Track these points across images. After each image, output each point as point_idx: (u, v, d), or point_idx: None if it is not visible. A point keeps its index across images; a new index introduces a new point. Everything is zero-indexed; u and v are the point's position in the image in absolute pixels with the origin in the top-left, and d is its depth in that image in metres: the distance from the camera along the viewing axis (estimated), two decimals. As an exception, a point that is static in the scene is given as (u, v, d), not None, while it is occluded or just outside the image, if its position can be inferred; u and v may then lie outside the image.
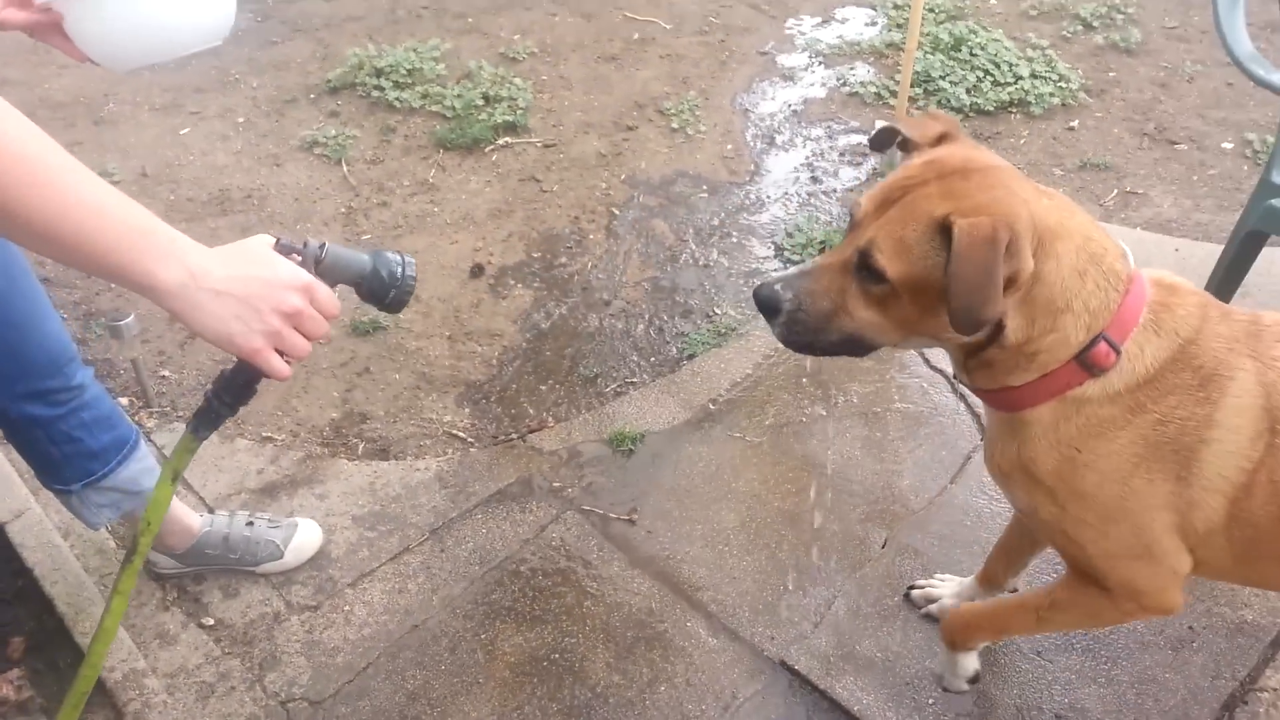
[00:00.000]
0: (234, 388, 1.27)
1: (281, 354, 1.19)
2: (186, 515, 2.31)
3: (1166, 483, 1.46)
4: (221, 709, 2.11)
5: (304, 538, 2.40)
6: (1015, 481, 1.59)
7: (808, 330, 1.48)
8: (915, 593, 2.27)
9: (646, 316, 3.31)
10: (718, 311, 3.32)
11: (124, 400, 2.91)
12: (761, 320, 1.77)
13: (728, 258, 3.60)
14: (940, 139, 1.50)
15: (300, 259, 1.22)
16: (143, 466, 2.13)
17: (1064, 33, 5.09)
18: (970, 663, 1.99)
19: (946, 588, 2.24)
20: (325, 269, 1.24)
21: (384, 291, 1.29)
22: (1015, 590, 2.17)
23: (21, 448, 2.03)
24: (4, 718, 2.03)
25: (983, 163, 1.42)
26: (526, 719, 2.09)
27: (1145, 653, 2.18)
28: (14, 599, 2.31)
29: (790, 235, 3.65)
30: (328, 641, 2.25)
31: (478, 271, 3.49)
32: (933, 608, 2.22)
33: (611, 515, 2.54)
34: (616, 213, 3.83)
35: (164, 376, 3.02)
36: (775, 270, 3.54)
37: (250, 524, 2.37)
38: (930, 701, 2.08)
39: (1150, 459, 1.45)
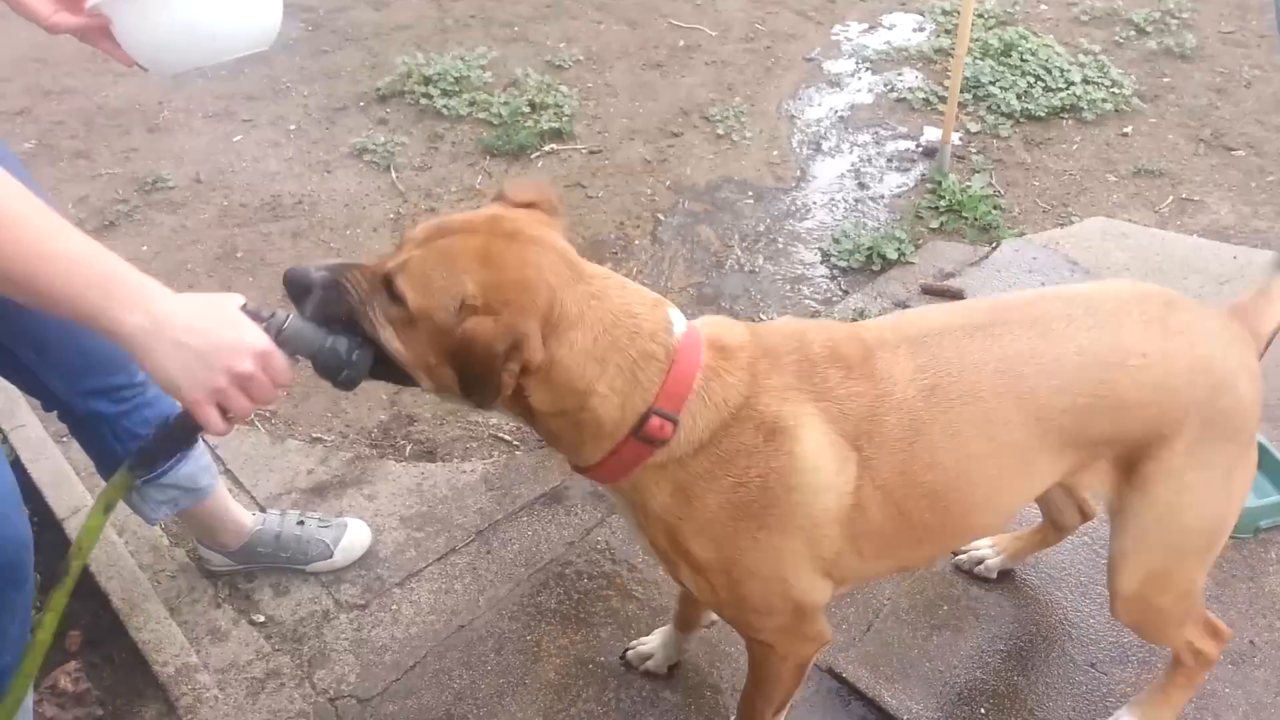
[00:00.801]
0: (174, 434, 1.34)
1: (226, 411, 1.25)
2: (240, 513, 2.33)
3: (773, 535, 1.50)
4: (271, 705, 2.13)
5: (354, 537, 2.42)
6: (659, 555, 1.61)
7: (339, 318, 1.38)
8: (630, 654, 2.20)
9: (692, 322, 3.31)
10: (763, 317, 3.30)
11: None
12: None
13: (773, 264, 3.59)
14: (527, 205, 1.48)
15: (265, 326, 1.27)
16: (201, 465, 2.15)
17: (1116, 38, 5.01)
18: None
19: (654, 641, 2.18)
20: (284, 340, 1.29)
21: (336, 370, 1.36)
22: (712, 623, 2.22)
23: (87, 444, 2.05)
24: (62, 709, 2.07)
25: (533, 235, 1.40)
26: (572, 721, 2.09)
27: (1204, 667, 2.12)
28: (72, 593, 2.35)
29: (837, 241, 3.63)
30: (376, 640, 2.26)
31: (524, 276, 3.51)
32: (646, 665, 2.19)
33: (657, 519, 2.53)
34: (662, 219, 3.84)
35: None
36: (822, 276, 3.52)
37: (301, 523, 2.39)
38: (983, 712, 2.05)
39: (745, 517, 1.48)
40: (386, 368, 1.42)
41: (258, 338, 1.24)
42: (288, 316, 1.31)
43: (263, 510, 2.49)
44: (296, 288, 1.40)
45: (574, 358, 1.38)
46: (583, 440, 1.47)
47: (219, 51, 1.59)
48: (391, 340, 1.39)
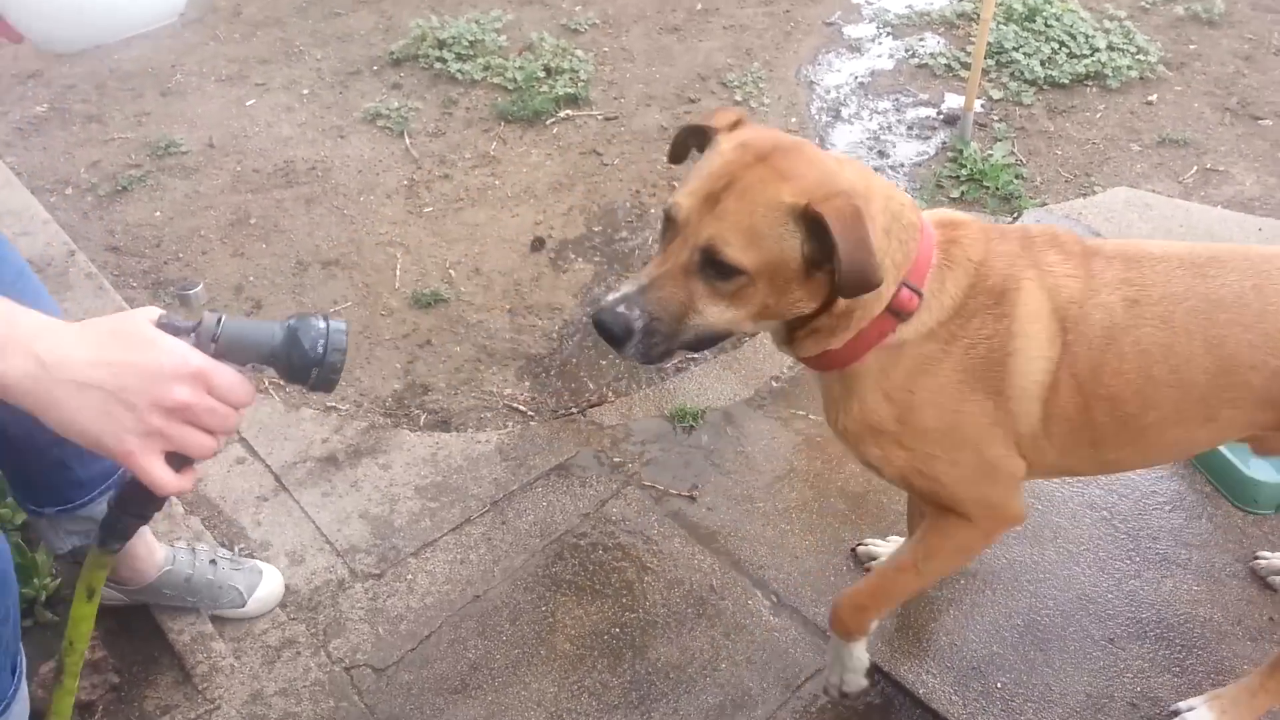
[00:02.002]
0: (139, 496, 1.05)
1: (179, 454, 0.99)
2: (153, 549, 2.12)
3: (989, 399, 1.55)
4: (287, 673, 2.14)
5: (269, 588, 2.25)
6: (861, 438, 1.64)
7: (663, 339, 1.44)
8: (860, 550, 2.29)
9: (708, 291, 3.28)
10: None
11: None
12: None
13: (791, 233, 3.55)
14: (735, 125, 1.52)
15: (194, 338, 1.00)
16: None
17: (1142, 3, 4.91)
18: (863, 655, 1.93)
19: (888, 547, 2.25)
20: (224, 348, 1.01)
21: (304, 370, 1.04)
22: None
23: (7, 464, 1.88)
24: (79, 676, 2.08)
25: (790, 141, 1.45)
26: (586, 692, 2.09)
27: (1222, 643, 2.11)
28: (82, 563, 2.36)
29: (855, 210, 3.58)
30: (391, 609, 2.27)
31: (538, 245, 3.48)
32: (873, 564, 2.23)
33: (672, 491, 2.52)
34: (678, 187, 3.79)
35: (231, 345, 3.06)
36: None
37: (214, 562, 2.20)
38: (999, 685, 2.04)
39: (972, 382, 1.54)
40: (697, 340, 1.47)
41: (184, 356, 0.97)
42: (219, 318, 1.02)
43: (177, 550, 2.22)
44: (613, 333, 1.41)
45: (874, 230, 1.39)
46: (848, 323, 1.49)
47: (117, 28, 1.49)
48: (725, 315, 1.43)
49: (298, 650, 2.19)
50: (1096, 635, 2.14)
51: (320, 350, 1.03)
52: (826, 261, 1.37)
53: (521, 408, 2.85)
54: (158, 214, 3.66)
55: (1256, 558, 2.27)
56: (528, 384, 2.94)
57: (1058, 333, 1.53)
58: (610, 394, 2.88)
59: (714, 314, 1.43)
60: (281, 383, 2.83)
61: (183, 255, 3.46)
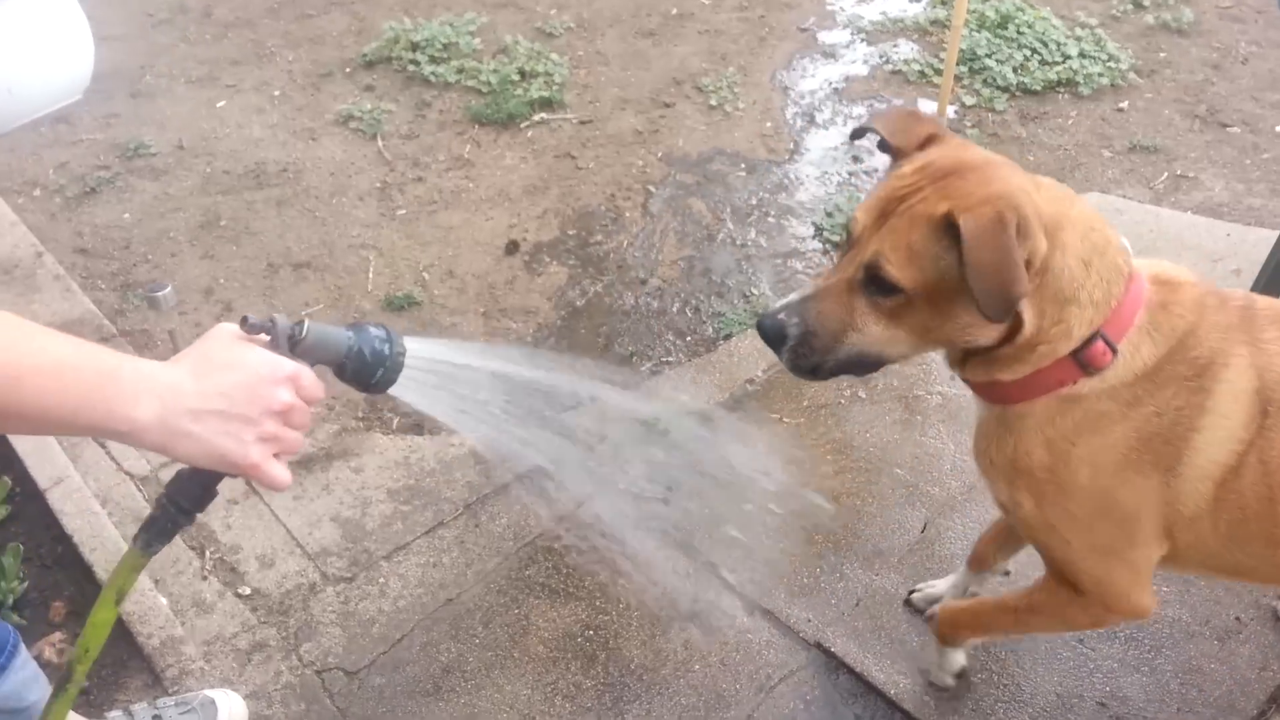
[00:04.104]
0: (193, 493, 1.08)
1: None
2: None
3: (1157, 473, 1.45)
4: (258, 677, 2.12)
5: (230, 713, 2.03)
6: (1005, 475, 1.56)
7: (816, 353, 1.43)
8: (915, 596, 2.22)
9: (683, 296, 3.28)
10: (755, 291, 3.28)
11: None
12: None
13: (766, 237, 3.56)
14: (927, 141, 1.46)
15: (270, 339, 1.05)
16: (27, 675, 1.70)
17: (1113, 12, 4.97)
18: (958, 658, 1.97)
19: (942, 585, 2.20)
20: (305, 349, 1.06)
21: (369, 372, 1.10)
22: (1007, 572, 2.18)
23: None
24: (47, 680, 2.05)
25: (977, 161, 1.39)
26: (560, 694, 2.08)
27: (1190, 642, 2.13)
28: (54, 564, 2.33)
29: (830, 215, 3.60)
30: (363, 613, 2.25)
31: (513, 248, 3.47)
32: (936, 608, 2.17)
33: (646, 494, 2.52)
34: (653, 190, 3.80)
35: (201, 347, 3.03)
36: (814, 250, 3.49)
37: (157, 717, 1.98)
38: (973, 684, 2.05)
39: (1143, 451, 1.44)
40: (853, 360, 1.44)
41: (276, 361, 1.03)
42: (300, 323, 1.07)
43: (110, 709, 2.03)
44: (769, 337, 1.43)
45: (1066, 260, 1.32)
46: (1021, 358, 1.42)
47: (17, 113, 1.37)
48: (884, 334, 1.40)
49: (269, 654, 2.16)
50: (1067, 636, 2.15)
51: (387, 353, 1.09)
52: None
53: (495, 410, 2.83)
54: (126, 215, 3.62)
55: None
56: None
57: (1258, 414, 1.41)
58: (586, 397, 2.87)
59: (873, 332, 1.41)
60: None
61: (152, 257, 3.43)
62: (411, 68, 4.50)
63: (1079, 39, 4.61)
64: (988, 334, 1.39)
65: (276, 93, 4.40)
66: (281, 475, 1.04)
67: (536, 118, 4.21)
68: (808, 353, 1.43)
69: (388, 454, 2.65)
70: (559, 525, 2.44)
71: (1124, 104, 4.26)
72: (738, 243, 3.53)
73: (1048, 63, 4.46)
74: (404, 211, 3.66)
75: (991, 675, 2.07)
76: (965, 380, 1.54)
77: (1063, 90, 4.36)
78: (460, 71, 4.47)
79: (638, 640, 2.18)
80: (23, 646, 1.66)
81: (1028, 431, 1.49)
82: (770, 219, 3.65)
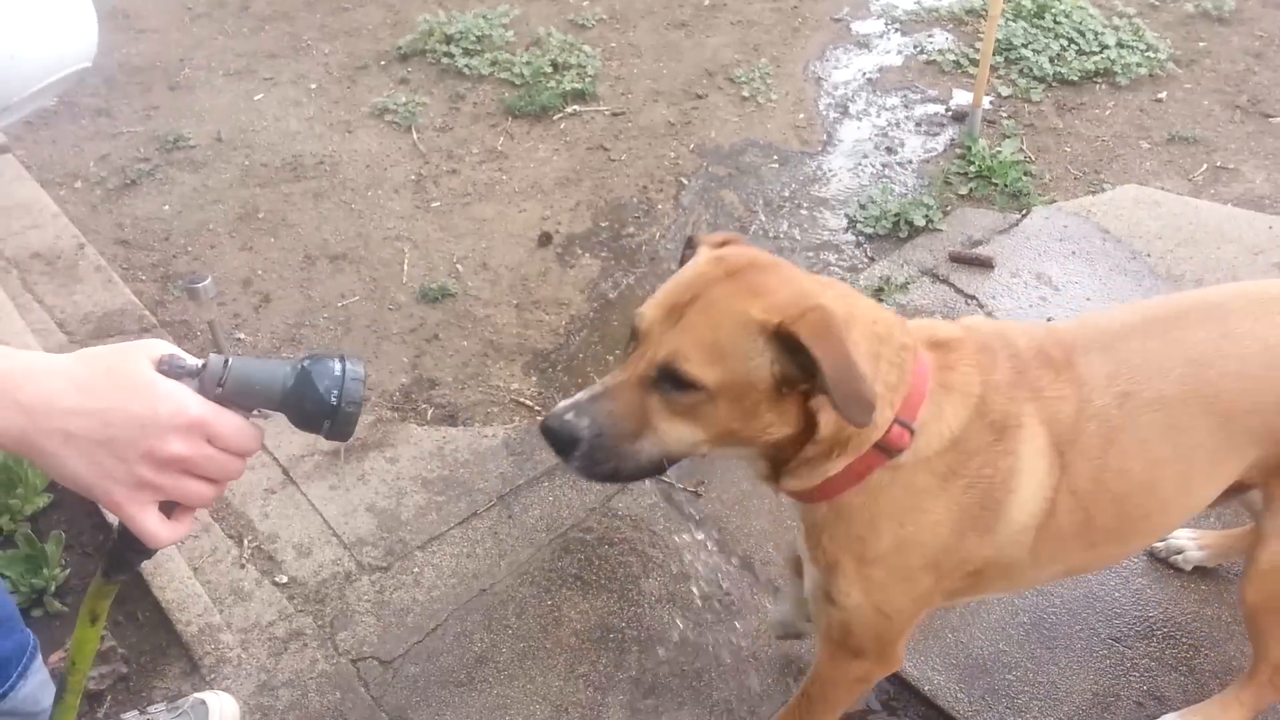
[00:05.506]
0: (126, 542, 0.98)
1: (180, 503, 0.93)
2: None
3: (974, 536, 1.48)
4: (294, 665, 2.15)
5: (222, 713, 2.03)
6: (840, 566, 1.52)
7: (611, 456, 1.34)
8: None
9: (715, 287, 3.27)
10: (787, 283, 3.26)
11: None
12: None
13: (799, 229, 3.54)
14: (724, 243, 1.45)
15: (197, 383, 0.92)
16: (42, 679, 1.78)
17: (1152, 0, 4.89)
18: None
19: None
20: (230, 394, 0.92)
21: (312, 423, 0.95)
22: None
23: None
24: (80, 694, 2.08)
25: (768, 259, 1.39)
26: (592, 686, 2.10)
27: (1230, 642, 2.11)
28: (95, 552, 2.38)
29: (864, 207, 3.58)
30: (397, 602, 2.27)
31: (545, 240, 3.49)
32: None
33: (678, 486, 2.52)
34: (685, 182, 3.79)
35: (239, 339, 3.07)
36: (848, 243, 3.48)
37: None
38: (1005, 683, 2.04)
39: (963, 519, 1.46)
40: (652, 463, 1.37)
41: (182, 405, 0.88)
42: (226, 360, 0.92)
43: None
44: (558, 441, 1.33)
45: (859, 355, 1.30)
46: (838, 453, 1.40)
47: (22, 83, 1.34)
48: (683, 435, 1.34)
49: (304, 642, 2.19)
50: (1103, 633, 2.13)
51: (334, 399, 0.93)
52: (801, 380, 1.30)
53: (528, 402, 2.85)
54: (166, 207, 3.67)
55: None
56: (534, 379, 2.94)
57: (1056, 459, 1.48)
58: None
59: (670, 433, 1.34)
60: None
61: (191, 248, 3.47)
62: (446, 60, 4.52)
63: (1116, 28, 4.54)
64: (786, 431, 1.37)
65: (313, 85, 4.44)
66: (150, 527, 0.91)
67: (569, 110, 4.21)
68: (603, 457, 1.34)
69: (422, 445, 2.68)
70: (591, 517, 2.45)
71: (1162, 94, 4.19)
72: (770, 235, 3.52)
73: (1085, 53, 4.40)
74: (438, 204, 3.68)
75: (1026, 673, 2.06)
76: (787, 492, 1.50)
77: (1100, 80, 4.29)
78: (494, 64, 4.48)
79: (669, 633, 2.19)
80: (39, 652, 1.68)
81: (858, 520, 1.47)
82: (803, 211, 3.64)
